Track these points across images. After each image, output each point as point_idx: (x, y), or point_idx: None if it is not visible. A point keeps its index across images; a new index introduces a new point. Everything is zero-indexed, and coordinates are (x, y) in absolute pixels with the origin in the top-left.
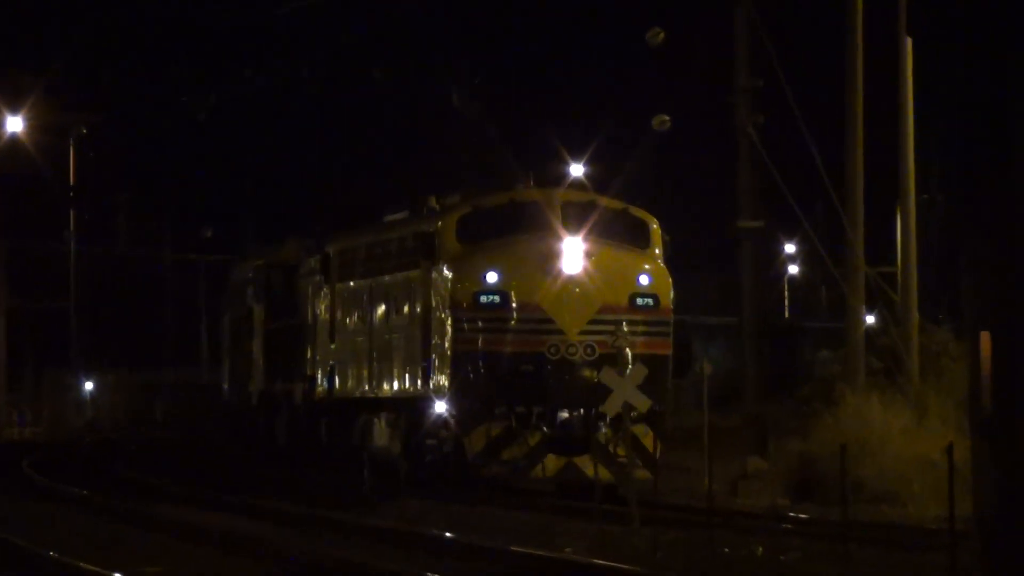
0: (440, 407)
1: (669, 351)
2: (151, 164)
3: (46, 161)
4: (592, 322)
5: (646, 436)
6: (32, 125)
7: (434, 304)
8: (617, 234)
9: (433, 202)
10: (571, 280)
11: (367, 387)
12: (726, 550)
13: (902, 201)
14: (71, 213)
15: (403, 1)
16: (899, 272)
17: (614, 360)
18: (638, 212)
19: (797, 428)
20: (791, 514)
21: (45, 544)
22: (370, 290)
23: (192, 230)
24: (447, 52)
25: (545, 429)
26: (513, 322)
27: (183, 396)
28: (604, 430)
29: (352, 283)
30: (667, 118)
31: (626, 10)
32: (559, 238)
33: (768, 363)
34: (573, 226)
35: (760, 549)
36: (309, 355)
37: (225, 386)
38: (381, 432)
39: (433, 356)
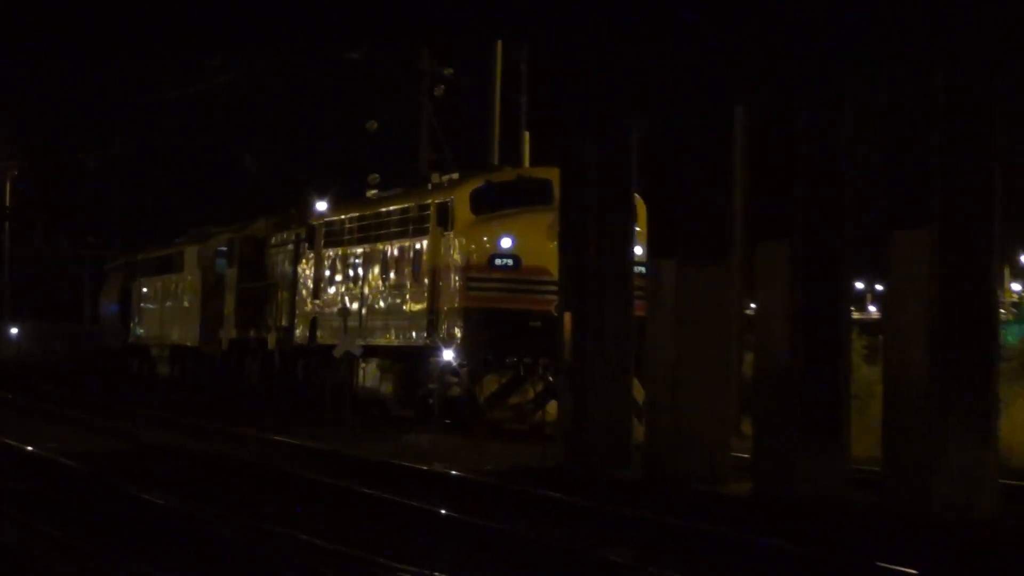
0: (447, 356)
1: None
2: (61, 194)
3: None
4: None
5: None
6: None
7: (444, 266)
8: None
9: (437, 178)
10: None
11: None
12: (403, 439)
13: None
14: (6, 225)
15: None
16: None
17: None
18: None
19: None
20: (447, 421)
21: None
22: (364, 255)
23: (82, 236)
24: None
25: (550, 379)
26: (524, 283)
27: (75, 341)
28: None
29: (340, 250)
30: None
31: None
32: None
33: None
34: None
35: (423, 439)
36: (285, 309)
37: (139, 331)
38: (370, 375)
39: (442, 310)
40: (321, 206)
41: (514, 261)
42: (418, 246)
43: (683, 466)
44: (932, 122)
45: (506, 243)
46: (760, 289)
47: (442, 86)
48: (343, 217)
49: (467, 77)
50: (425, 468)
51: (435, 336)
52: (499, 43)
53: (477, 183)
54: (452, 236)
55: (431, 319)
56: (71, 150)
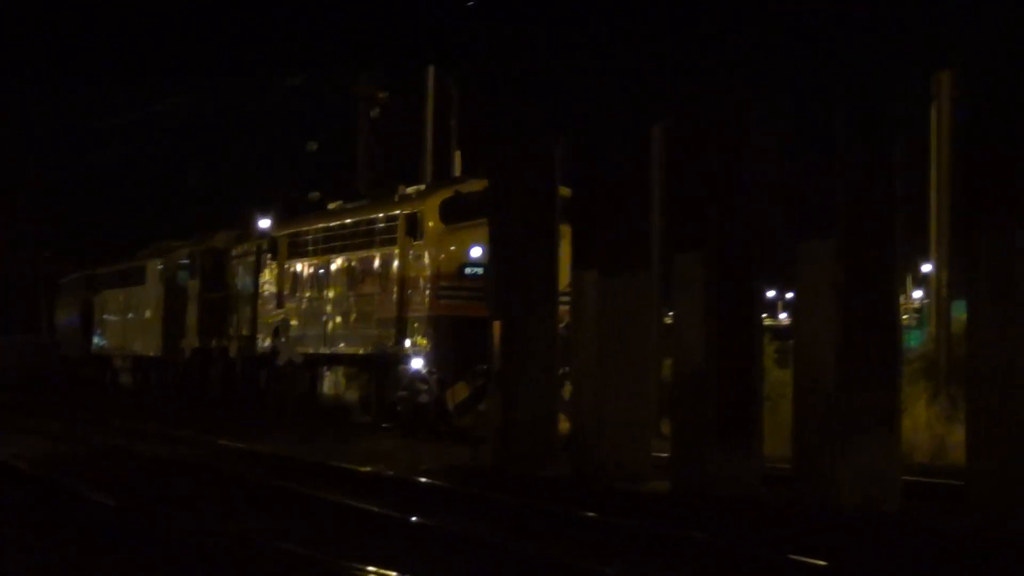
0: (417, 363)
1: None
2: (17, 213)
3: None
4: (562, 294)
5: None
6: None
7: (413, 275)
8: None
9: (403, 189)
10: None
11: (322, 345)
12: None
13: None
14: None
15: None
16: None
17: None
18: None
19: None
20: (385, 425)
21: None
22: (329, 265)
23: (37, 252)
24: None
25: None
26: None
27: (35, 352)
28: (567, 386)
29: (304, 260)
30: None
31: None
32: None
33: None
34: None
35: (380, 445)
36: (247, 318)
37: (101, 342)
38: (335, 383)
39: (411, 319)
40: (264, 223)
41: (485, 270)
42: (386, 256)
43: (606, 465)
44: (835, 142)
45: (476, 252)
46: (677, 297)
47: (378, 108)
48: (307, 228)
49: (401, 100)
50: (365, 470)
51: (403, 344)
52: (431, 68)
53: (446, 193)
54: (421, 246)
55: (399, 327)
56: (26, 171)
